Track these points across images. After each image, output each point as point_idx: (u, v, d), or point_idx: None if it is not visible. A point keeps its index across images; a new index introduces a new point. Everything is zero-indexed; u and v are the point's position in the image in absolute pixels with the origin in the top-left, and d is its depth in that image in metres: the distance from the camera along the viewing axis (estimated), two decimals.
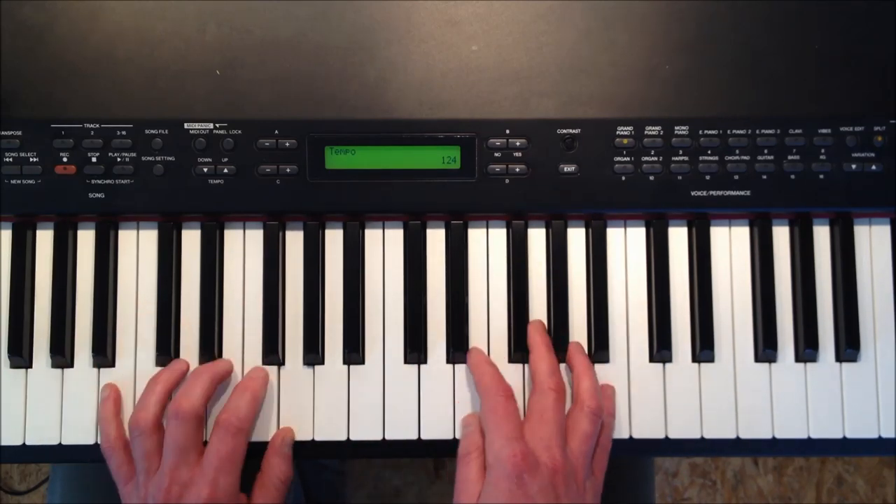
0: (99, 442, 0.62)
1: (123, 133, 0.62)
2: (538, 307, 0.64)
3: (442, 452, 0.63)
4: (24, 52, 0.64)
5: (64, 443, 0.63)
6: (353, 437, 0.63)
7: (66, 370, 0.63)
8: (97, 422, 0.62)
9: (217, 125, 0.63)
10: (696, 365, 0.64)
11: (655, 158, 0.63)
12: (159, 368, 0.63)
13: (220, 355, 0.64)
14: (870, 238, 0.65)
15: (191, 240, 0.65)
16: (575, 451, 0.58)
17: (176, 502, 0.56)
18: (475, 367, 0.62)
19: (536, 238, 0.65)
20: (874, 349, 0.64)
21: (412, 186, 0.63)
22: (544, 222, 0.65)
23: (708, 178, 0.63)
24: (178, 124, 0.63)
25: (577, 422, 0.59)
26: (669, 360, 0.64)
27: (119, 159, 0.62)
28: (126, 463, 0.60)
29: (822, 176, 0.63)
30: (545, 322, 0.64)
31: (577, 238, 0.65)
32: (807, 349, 0.63)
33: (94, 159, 0.62)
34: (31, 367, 0.63)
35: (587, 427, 0.59)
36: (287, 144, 0.63)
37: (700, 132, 0.63)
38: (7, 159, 0.62)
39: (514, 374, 0.63)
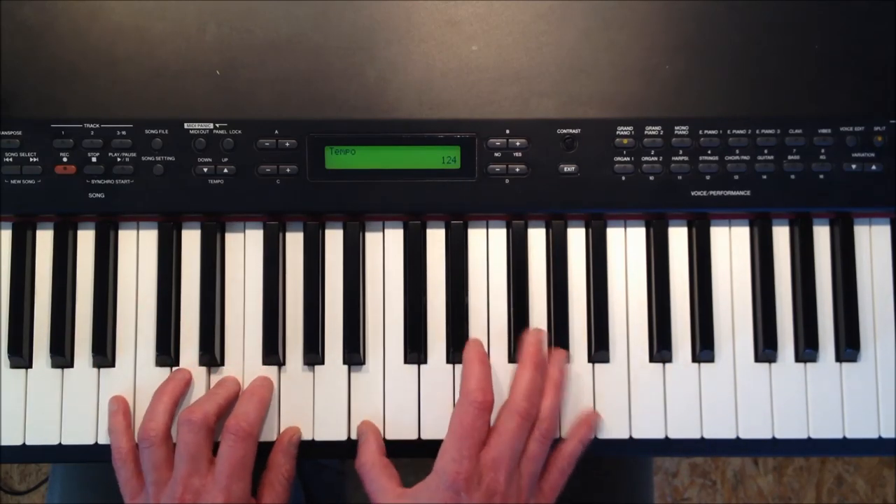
0: (110, 453, 0.61)
1: (123, 133, 0.62)
2: (538, 307, 0.64)
3: None
4: (24, 52, 0.64)
5: (64, 443, 0.63)
6: (353, 437, 0.63)
7: (66, 370, 0.63)
8: (107, 432, 0.62)
9: (217, 125, 0.63)
10: (696, 365, 0.64)
11: (655, 158, 0.63)
12: (159, 369, 0.63)
13: (221, 355, 0.64)
14: (870, 238, 0.65)
15: (191, 240, 0.65)
16: (522, 472, 0.59)
17: None
18: (467, 363, 0.61)
19: (536, 238, 0.65)
20: (874, 349, 0.64)
21: (412, 186, 0.63)
22: (544, 222, 0.65)
23: (708, 178, 0.63)
24: (178, 124, 0.63)
25: (528, 445, 0.59)
26: (669, 360, 0.64)
27: (119, 159, 0.62)
28: (135, 476, 0.60)
29: (822, 176, 0.63)
30: (545, 322, 0.64)
31: (577, 238, 0.65)
32: (807, 349, 0.63)
33: (94, 159, 0.62)
34: (31, 367, 0.63)
35: (536, 450, 0.59)
36: (287, 144, 0.63)
37: (700, 132, 0.63)
38: (7, 159, 0.62)
39: (513, 375, 0.63)
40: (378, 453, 0.60)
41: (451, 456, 0.57)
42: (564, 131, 0.63)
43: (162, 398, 0.60)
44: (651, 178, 0.63)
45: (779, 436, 0.63)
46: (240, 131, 0.63)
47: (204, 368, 0.63)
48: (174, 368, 0.63)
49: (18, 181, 0.62)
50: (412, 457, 0.62)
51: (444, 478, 0.56)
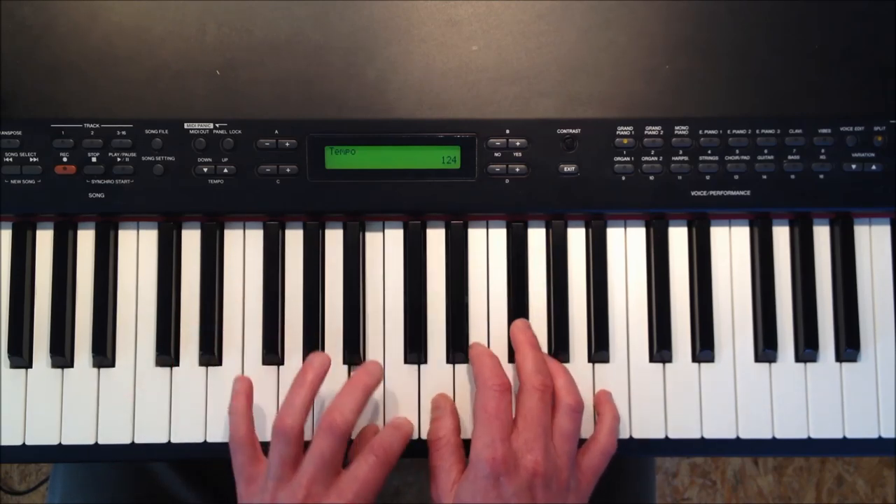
0: (228, 435, 0.60)
1: (123, 133, 0.62)
2: (538, 307, 0.64)
3: None
4: (24, 52, 0.64)
5: (64, 443, 0.63)
6: (353, 437, 0.63)
7: (66, 370, 0.63)
8: (228, 412, 0.60)
9: (217, 125, 0.63)
10: (696, 365, 0.64)
11: (655, 158, 0.63)
12: (159, 369, 0.63)
13: (220, 356, 0.63)
14: (870, 238, 0.65)
15: (191, 240, 0.65)
16: (558, 450, 0.58)
17: None
18: (475, 358, 0.61)
19: (536, 238, 0.65)
20: (874, 349, 0.64)
21: (412, 186, 0.63)
22: (544, 222, 0.65)
23: (708, 178, 0.63)
24: (178, 124, 0.63)
25: (558, 422, 0.59)
26: (669, 360, 0.64)
27: (119, 159, 0.62)
28: (252, 462, 0.59)
29: (822, 176, 0.63)
30: (545, 322, 0.64)
31: (577, 238, 0.65)
32: (807, 349, 0.63)
33: (94, 159, 0.62)
34: (31, 367, 0.63)
35: (567, 425, 0.59)
36: (287, 144, 0.63)
37: (700, 132, 0.63)
38: (7, 159, 0.62)
39: (513, 375, 0.63)
40: (455, 432, 0.60)
41: (483, 442, 0.56)
42: (564, 131, 0.63)
43: (301, 391, 0.58)
44: (651, 178, 0.63)
45: (779, 436, 0.63)
46: (240, 131, 0.63)
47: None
48: (313, 352, 0.61)
49: (18, 181, 0.62)
50: (412, 457, 0.62)
51: (480, 466, 0.56)
